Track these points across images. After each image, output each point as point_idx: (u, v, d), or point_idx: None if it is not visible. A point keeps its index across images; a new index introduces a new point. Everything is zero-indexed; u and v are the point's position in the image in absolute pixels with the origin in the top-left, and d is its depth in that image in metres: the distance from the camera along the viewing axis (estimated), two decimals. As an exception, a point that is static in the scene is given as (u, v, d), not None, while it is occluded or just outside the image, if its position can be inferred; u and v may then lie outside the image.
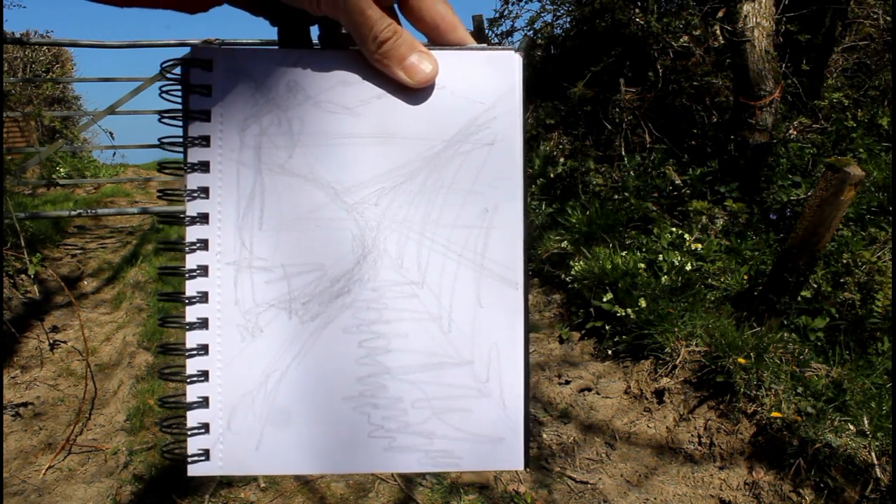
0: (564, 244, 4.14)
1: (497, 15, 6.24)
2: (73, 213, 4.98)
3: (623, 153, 4.91)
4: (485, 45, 0.46)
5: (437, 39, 0.45)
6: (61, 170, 7.80)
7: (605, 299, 3.31)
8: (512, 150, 0.45)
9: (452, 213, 0.45)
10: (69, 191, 7.25)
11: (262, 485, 2.30)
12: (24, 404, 2.92)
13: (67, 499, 2.27)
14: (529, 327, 0.48)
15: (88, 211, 5.17)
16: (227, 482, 2.31)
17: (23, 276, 3.97)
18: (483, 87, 0.45)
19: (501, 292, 0.45)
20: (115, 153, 9.05)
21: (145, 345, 3.43)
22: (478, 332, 0.45)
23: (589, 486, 2.35)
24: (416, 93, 0.45)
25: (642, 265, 3.45)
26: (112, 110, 5.29)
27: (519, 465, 0.46)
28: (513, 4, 6.23)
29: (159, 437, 2.62)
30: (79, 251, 5.21)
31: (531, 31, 6.26)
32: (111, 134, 6.12)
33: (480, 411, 0.45)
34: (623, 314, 3.15)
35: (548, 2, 6.16)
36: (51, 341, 3.46)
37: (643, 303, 3.11)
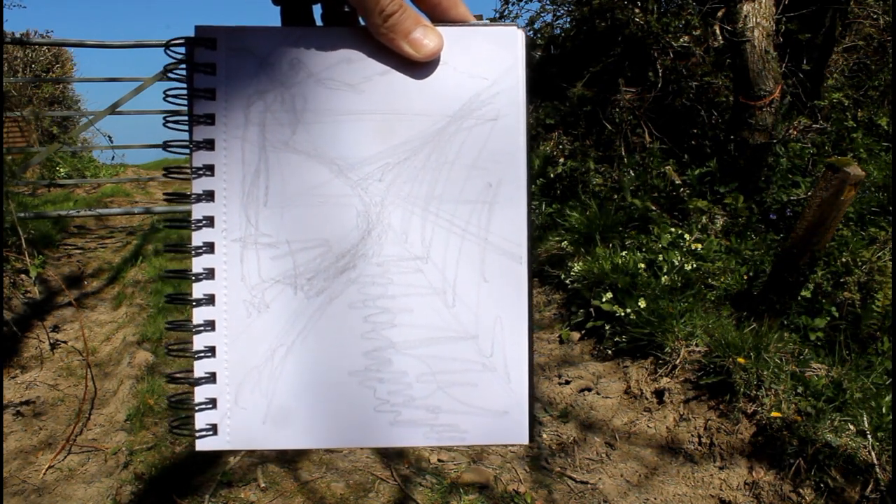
0: (564, 244, 4.14)
1: (497, 15, 6.25)
2: (74, 212, 4.98)
3: (623, 153, 4.91)
4: (487, 21, 0.47)
5: (438, 17, 0.46)
6: (61, 170, 7.81)
7: (604, 299, 3.31)
8: (515, 126, 0.46)
9: (456, 189, 0.45)
10: (69, 191, 7.25)
11: (262, 485, 2.30)
12: (25, 404, 2.92)
13: (67, 499, 2.27)
14: (533, 301, 0.48)
15: (89, 210, 5.17)
16: (227, 482, 2.31)
17: (23, 275, 3.97)
18: (486, 62, 0.45)
19: (505, 267, 0.46)
20: (112, 155, 8.98)
21: (145, 344, 3.43)
22: (482, 307, 0.46)
23: (589, 486, 2.35)
24: (418, 69, 0.45)
25: (642, 265, 3.45)
26: (113, 110, 5.29)
27: (524, 438, 0.46)
28: (513, 4, 6.25)
29: (159, 437, 2.62)
30: (79, 251, 5.21)
31: (531, 31, 6.26)
32: (110, 138, 6.13)
33: (485, 385, 0.46)
34: (623, 314, 3.15)
35: (548, 2, 6.16)
36: (51, 341, 3.46)
37: (643, 303, 3.11)
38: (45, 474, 2.40)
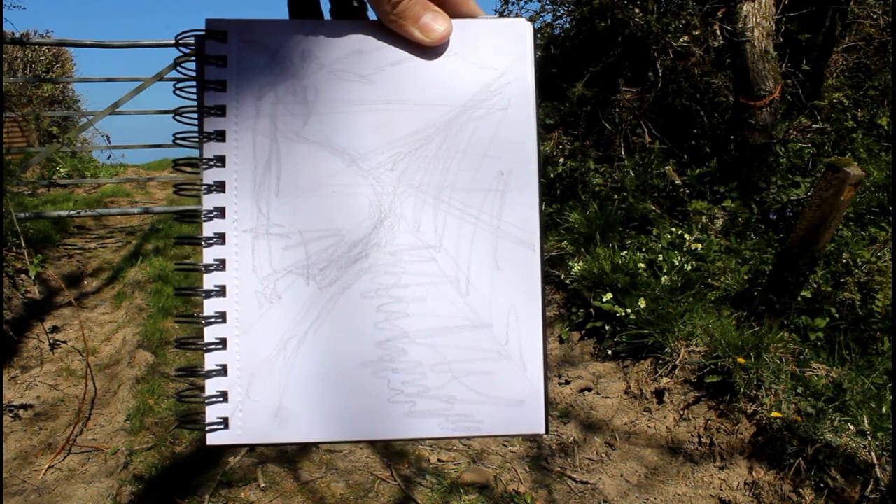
0: (564, 244, 4.14)
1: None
2: (73, 213, 4.98)
3: (623, 153, 4.91)
4: (495, 15, 0.48)
5: (449, 12, 0.46)
6: (61, 170, 7.80)
7: (604, 299, 3.31)
8: (525, 115, 0.46)
9: (468, 177, 0.46)
10: (69, 191, 7.25)
11: (262, 485, 2.30)
12: (25, 406, 2.92)
13: (67, 499, 2.27)
14: (545, 289, 0.48)
15: (89, 210, 5.17)
16: (227, 482, 2.31)
17: (23, 276, 3.97)
18: (495, 54, 0.46)
19: (518, 254, 0.46)
20: (109, 154, 8.91)
21: (145, 344, 3.43)
22: (496, 295, 0.46)
23: (589, 486, 2.35)
24: (429, 60, 0.45)
25: (642, 265, 3.45)
26: (112, 110, 5.29)
27: (540, 428, 0.46)
28: (513, 4, 6.24)
29: (159, 437, 2.62)
30: (79, 251, 5.21)
31: (531, 32, 6.25)
32: (108, 137, 6.13)
33: (500, 374, 0.46)
34: (623, 314, 3.15)
35: (548, 2, 6.16)
36: (51, 341, 3.46)
37: (643, 303, 3.11)
38: (45, 475, 2.40)
